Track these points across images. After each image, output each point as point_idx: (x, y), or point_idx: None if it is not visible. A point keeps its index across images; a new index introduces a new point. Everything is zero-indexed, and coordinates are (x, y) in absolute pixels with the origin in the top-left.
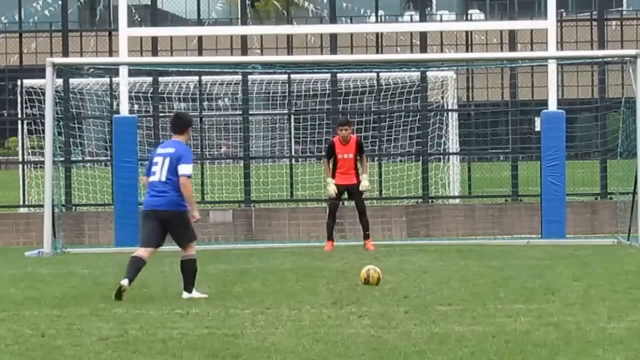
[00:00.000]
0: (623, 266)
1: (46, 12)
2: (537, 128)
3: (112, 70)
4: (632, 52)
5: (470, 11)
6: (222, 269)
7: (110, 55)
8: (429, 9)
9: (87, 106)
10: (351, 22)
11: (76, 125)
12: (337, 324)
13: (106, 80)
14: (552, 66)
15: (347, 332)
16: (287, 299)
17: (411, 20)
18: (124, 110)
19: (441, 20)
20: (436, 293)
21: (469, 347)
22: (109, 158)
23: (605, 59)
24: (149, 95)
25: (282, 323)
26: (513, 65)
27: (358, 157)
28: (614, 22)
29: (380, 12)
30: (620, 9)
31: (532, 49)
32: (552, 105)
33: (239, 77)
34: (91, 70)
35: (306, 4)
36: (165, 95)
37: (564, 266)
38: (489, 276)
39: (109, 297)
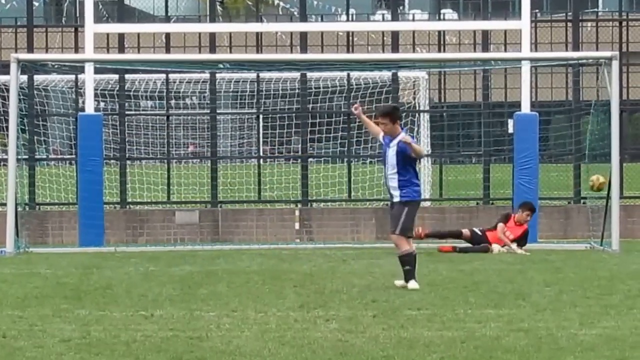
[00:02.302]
0: (595, 272)
1: (7, 6)
2: (510, 130)
3: (77, 67)
4: (607, 54)
5: (443, 11)
6: (188, 270)
7: (77, 51)
8: (401, 8)
9: (52, 103)
10: (322, 20)
11: (40, 123)
12: (303, 328)
13: (72, 77)
14: (525, 67)
15: (314, 336)
16: (253, 302)
17: (383, 20)
18: (90, 107)
19: (413, 20)
20: (405, 297)
21: (437, 352)
22: (73, 156)
23: (580, 61)
24: (115, 92)
25: (248, 326)
26: (486, 66)
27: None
28: (589, 24)
29: (352, 11)
30: (595, 10)
31: (505, 50)
32: (526, 107)
33: (206, 76)
34: (56, 66)
35: (276, 1)
36: (131, 93)
37: (536, 271)
38: (459, 281)
39: (72, 298)
